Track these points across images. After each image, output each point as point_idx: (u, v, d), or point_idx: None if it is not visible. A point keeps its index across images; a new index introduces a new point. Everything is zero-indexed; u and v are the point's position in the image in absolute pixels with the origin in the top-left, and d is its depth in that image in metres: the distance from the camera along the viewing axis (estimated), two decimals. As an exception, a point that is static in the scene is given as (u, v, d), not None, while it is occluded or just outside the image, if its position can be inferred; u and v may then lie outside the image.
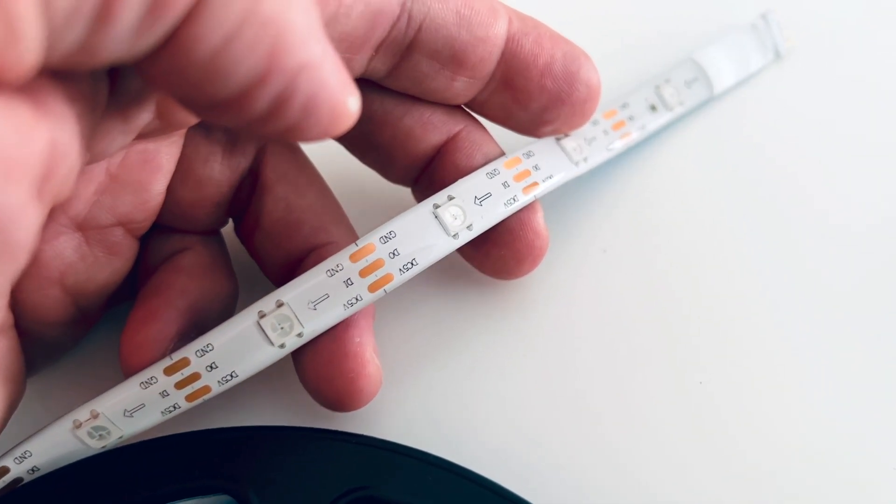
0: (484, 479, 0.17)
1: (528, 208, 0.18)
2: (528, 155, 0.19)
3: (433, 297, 0.21)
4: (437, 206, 0.17)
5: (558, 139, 0.19)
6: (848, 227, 0.21)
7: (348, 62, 0.16)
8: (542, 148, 0.19)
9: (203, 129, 0.17)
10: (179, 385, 0.16)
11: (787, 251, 0.21)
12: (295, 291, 0.16)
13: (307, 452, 0.18)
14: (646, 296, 0.21)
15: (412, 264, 0.17)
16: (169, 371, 0.16)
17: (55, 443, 0.16)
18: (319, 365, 0.17)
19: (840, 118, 0.23)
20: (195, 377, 0.16)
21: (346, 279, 0.17)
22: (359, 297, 0.17)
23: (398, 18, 0.16)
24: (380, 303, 0.18)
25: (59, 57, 0.10)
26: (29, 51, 0.10)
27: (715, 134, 0.23)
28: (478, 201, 0.18)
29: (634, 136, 0.21)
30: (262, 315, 0.16)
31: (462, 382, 0.20)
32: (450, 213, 0.17)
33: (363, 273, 0.17)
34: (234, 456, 0.17)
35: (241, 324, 0.16)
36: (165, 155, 0.17)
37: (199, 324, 0.17)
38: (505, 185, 0.18)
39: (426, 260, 0.17)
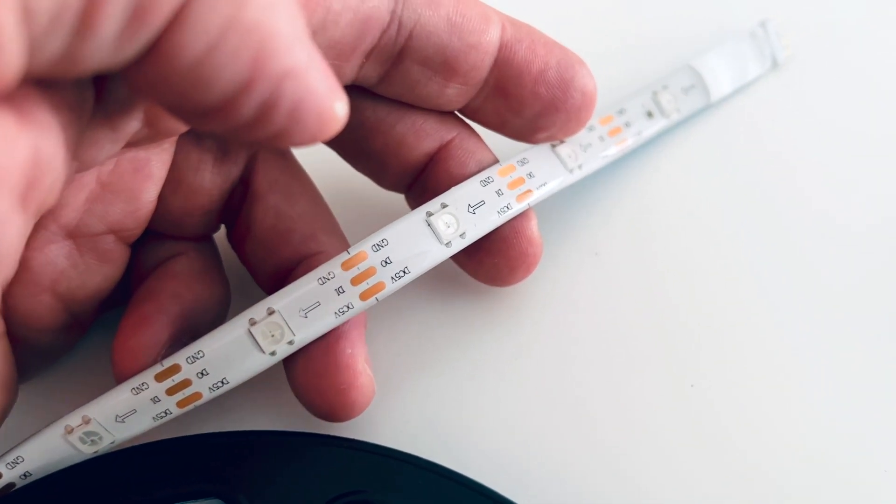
0: (478, 485, 0.17)
1: (521, 216, 0.18)
2: (523, 162, 0.19)
3: (427, 304, 0.21)
4: (430, 214, 0.17)
5: (553, 146, 0.19)
6: (841, 233, 0.21)
7: (338, 69, 0.16)
8: (537, 155, 0.19)
9: (194, 137, 0.17)
10: (170, 391, 0.16)
11: (782, 255, 0.21)
12: (286, 299, 0.16)
13: (298, 457, 0.18)
14: (640, 300, 0.21)
15: (404, 272, 0.17)
16: (160, 377, 0.16)
17: (47, 448, 0.16)
18: (311, 377, 0.17)
19: (837, 125, 0.23)
20: (186, 383, 0.16)
21: (337, 287, 0.17)
22: (350, 306, 0.17)
23: (388, 25, 0.16)
24: (374, 310, 0.18)
25: (41, 66, 0.10)
26: (9, 61, 0.10)
27: (709, 140, 0.23)
28: (471, 209, 0.18)
29: (630, 142, 0.21)
30: (252, 322, 0.16)
31: (456, 389, 0.20)
32: (443, 221, 0.17)
33: (355, 281, 0.17)
34: (225, 460, 0.17)
35: (232, 331, 0.16)
36: (156, 163, 0.17)
37: (191, 330, 0.17)
38: (499, 193, 0.18)
39: (418, 268, 0.17)
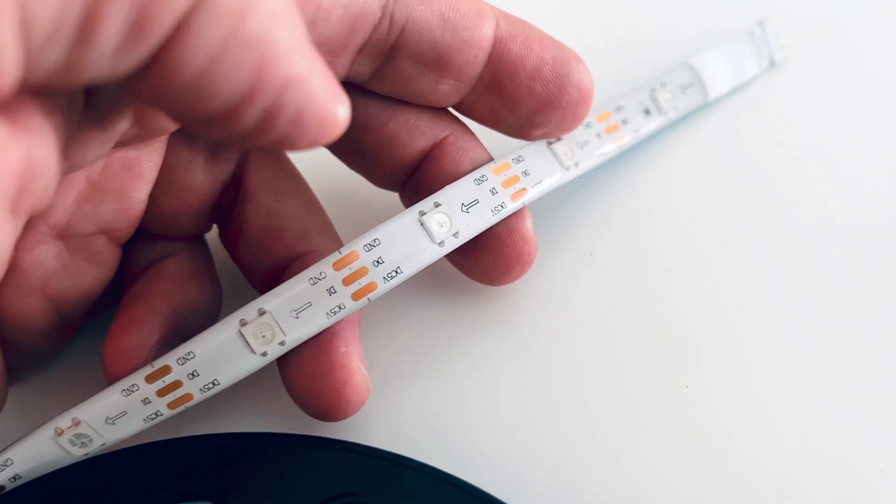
0: (474, 488, 0.17)
1: (516, 214, 0.18)
2: (518, 160, 0.18)
3: (424, 304, 0.21)
4: (422, 214, 0.17)
5: (549, 143, 0.19)
6: (839, 233, 0.21)
7: (330, 65, 0.16)
8: (533, 152, 0.19)
9: (185, 137, 0.17)
10: (161, 392, 0.16)
11: (779, 255, 0.21)
12: (277, 300, 0.16)
13: (292, 459, 0.18)
14: (636, 299, 0.21)
15: (397, 272, 0.17)
16: (150, 379, 0.16)
17: (37, 450, 0.16)
18: (305, 376, 0.17)
19: (834, 124, 0.23)
20: (177, 385, 0.16)
21: (329, 287, 0.16)
22: (342, 306, 0.16)
23: (379, 21, 0.16)
24: (370, 309, 0.18)
25: (39, 76, 0.10)
26: (6, 72, 0.09)
27: (705, 138, 0.23)
28: (465, 208, 0.17)
29: (627, 140, 0.21)
30: (243, 323, 0.16)
31: (453, 390, 0.20)
32: (436, 220, 0.17)
33: (347, 281, 0.16)
34: (217, 463, 0.17)
35: (223, 332, 0.16)
36: (147, 162, 0.16)
37: (183, 330, 0.17)
38: (493, 191, 0.18)
39: (411, 268, 0.17)
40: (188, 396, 0.16)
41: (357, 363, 0.17)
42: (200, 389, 0.16)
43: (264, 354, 0.16)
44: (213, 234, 0.20)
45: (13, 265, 0.16)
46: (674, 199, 0.22)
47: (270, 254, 0.18)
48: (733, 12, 0.25)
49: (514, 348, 0.20)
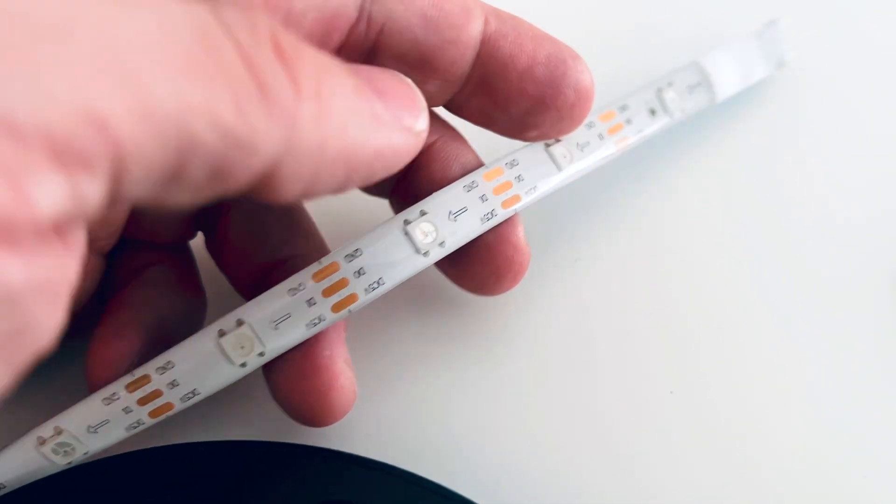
0: (462, 498, 0.17)
1: (507, 222, 0.17)
2: (512, 165, 0.18)
3: (412, 308, 0.21)
4: (407, 223, 0.17)
5: (548, 145, 0.18)
6: (833, 241, 0.21)
7: None
8: (528, 156, 0.18)
9: None
10: (142, 401, 0.16)
11: (770, 261, 0.21)
12: (255, 310, 0.16)
13: (279, 467, 0.17)
14: (628, 306, 0.21)
15: (379, 283, 0.16)
16: (131, 387, 0.16)
17: (20, 460, 0.16)
18: (289, 379, 0.17)
19: (839, 128, 0.23)
20: (157, 394, 0.16)
21: (308, 298, 0.16)
22: (322, 318, 0.16)
23: (357, 22, 0.15)
24: (357, 314, 0.18)
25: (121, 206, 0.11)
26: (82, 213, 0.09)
27: (698, 141, 0.23)
28: (452, 216, 0.17)
29: (631, 141, 0.20)
30: (221, 334, 0.16)
31: (442, 397, 0.20)
32: (421, 229, 0.17)
33: (326, 293, 0.16)
34: (202, 471, 0.17)
35: (201, 343, 0.16)
36: None
37: (167, 339, 0.17)
38: (483, 198, 0.17)
39: (394, 279, 0.16)
40: (169, 406, 0.16)
41: (342, 365, 0.17)
42: (181, 399, 0.16)
43: (243, 365, 0.16)
44: (198, 242, 0.19)
45: None
46: (666, 203, 0.22)
47: (254, 259, 0.18)
48: (744, 11, 0.24)
49: (502, 356, 0.20)
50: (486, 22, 0.16)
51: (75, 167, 0.09)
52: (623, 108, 0.20)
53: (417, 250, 0.16)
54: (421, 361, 0.20)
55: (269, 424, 0.19)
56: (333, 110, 0.12)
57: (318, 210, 0.19)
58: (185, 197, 0.11)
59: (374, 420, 0.19)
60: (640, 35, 0.25)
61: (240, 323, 0.16)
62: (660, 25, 0.25)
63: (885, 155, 0.22)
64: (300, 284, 0.16)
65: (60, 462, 0.16)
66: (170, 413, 0.16)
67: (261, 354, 0.16)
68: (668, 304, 0.21)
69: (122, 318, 0.17)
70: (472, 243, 0.17)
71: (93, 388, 0.17)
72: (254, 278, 0.18)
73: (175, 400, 0.16)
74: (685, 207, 0.22)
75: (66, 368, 0.18)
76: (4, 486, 0.16)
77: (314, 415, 0.17)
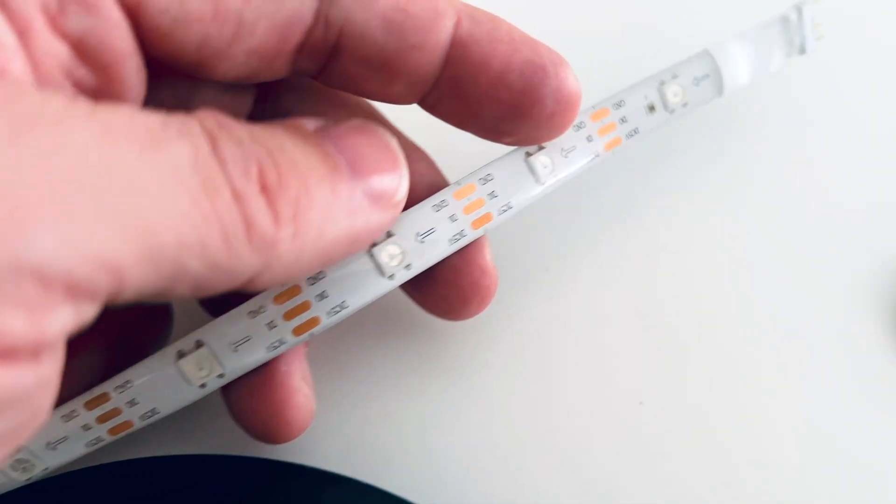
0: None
1: (473, 244, 0.17)
2: (485, 180, 0.17)
3: (376, 319, 0.20)
4: (373, 245, 0.16)
5: (529, 153, 0.17)
6: (783, 254, 0.21)
7: (269, 67, 0.15)
8: (504, 168, 0.17)
9: None
10: (101, 419, 0.16)
11: (736, 271, 0.21)
12: (215, 332, 0.16)
13: (237, 481, 0.17)
14: (595, 315, 0.21)
15: (342, 307, 0.16)
16: (90, 405, 0.16)
17: (-22, 474, 0.16)
18: (245, 395, 0.17)
19: (837, 125, 0.22)
20: (116, 412, 0.16)
21: (269, 322, 0.16)
22: (283, 341, 0.16)
23: (313, 25, 0.15)
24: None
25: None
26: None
27: (668, 145, 0.22)
28: (419, 238, 0.16)
29: (622, 142, 0.19)
30: (181, 355, 0.16)
31: (408, 411, 0.19)
32: (386, 251, 0.16)
33: (288, 316, 0.16)
34: (163, 485, 0.17)
35: (159, 364, 0.16)
36: None
37: (131, 354, 0.17)
38: (452, 218, 0.17)
39: (357, 302, 0.16)
40: (128, 423, 0.16)
41: (299, 382, 0.17)
42: (140, 417, 0.16)
43: (203, 386, 0.16)
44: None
45: None
46: (637, 210, 0.21)
47: None
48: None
49: (467, 368, 0.20)
50: (458, 24, 0.15)
51: (83, 299, 0.10)
52: (618, 105, 0.19)
53: (382, 273, 0.16)
54: (386, 374, 0.20)
55: (231, 437, 0.19)
56: (310, 224, 0.12)
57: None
58: (165, 300, 0.12)
59: (338, 434, 0.19)
60: (650, 23, 0.23)
61: (199, 344, 0.16)
62: (673, 12, 0.23)
63: (868, 156, 0.22)
64: (261, 307, 0.16)
65: (20, 478, 0.16)
66: (130, 430, 0.16)
67: (220, 376, 0.16)
68: (638, 313, 0.21)
69: (84, 331, 0.17)
70: (437, 266, 0.17)
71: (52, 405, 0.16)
72: (218, 295, 0.18)
73: (135, 418, 0.16)
74: (656, 214, 0.22)
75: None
76: (-38, 501, 0.16)
77: (270, 431, 0.17)
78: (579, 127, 0.18)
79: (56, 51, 0.13)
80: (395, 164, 0.14)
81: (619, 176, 0.22)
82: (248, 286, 0.13)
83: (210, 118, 0.12)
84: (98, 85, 0.13)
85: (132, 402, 0.16)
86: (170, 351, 0.16)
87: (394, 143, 0.15)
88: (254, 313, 0.16)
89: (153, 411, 0.16)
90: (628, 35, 0.23)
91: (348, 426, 0.19)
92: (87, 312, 0.11)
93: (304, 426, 0.17)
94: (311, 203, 0.13)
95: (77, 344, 0.17)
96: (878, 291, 0.21)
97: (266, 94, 0.18)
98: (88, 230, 0.10)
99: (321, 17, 0.15)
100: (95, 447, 0.16)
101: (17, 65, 0.12)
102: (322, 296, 0.16)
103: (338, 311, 0.16)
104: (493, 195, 0.17)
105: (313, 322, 0.16)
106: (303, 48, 0.15)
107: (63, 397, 0.16)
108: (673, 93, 0.19)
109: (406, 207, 0.17)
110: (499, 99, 0.16)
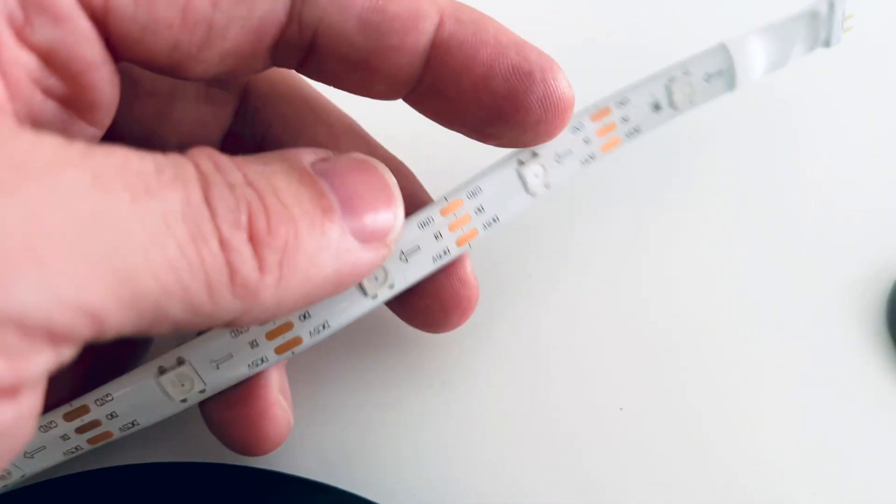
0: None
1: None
2: (473, 194, 0.17)
3: (358, 332, 0.20)
4: (356, 264, 0.16)
5: (521, 162, 0.17)
6: (767, 262, 0.21)
7: (246, 65, 0.15)
8: (494, 180, 0.17)
9: None
10: (80, 430, 0.16)
11: (717, 278, 0.21)
12: (197, 350, 0.16)
13: (218, 486, 0.18)
14: (576, 321, 0.21)
15: (324, 327, 0.16)
16: (69, 417, 0.16)
17: (-46, 482, 0.16)
18: (221, 407, 0.17)
19: (828, 129, 0.22)
20: (96, 423, 0.16)
21: (251, 340, 0.16)
22: (264, 359, 0.16)
23: (286, 25, 0.14)
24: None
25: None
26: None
27: (654, 147, 0.21)
28: (403, 257, 0.16)
29: (622, 143, 0.18)
30: (162, 371, 0.16)
31: (388, 420, 0.19)
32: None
33: (270, 335, 0.16)
34: (141, 493, 0.17)
35: (140, 380, 0.16)
36: None
37: (111, 365, 0.17)
38: (437, 236, 0.17)
39: (339, 322, 0.16)
40: (108, 434, 0.16)
41: (276, 395, 0.17)
42: (120, 429, 0.16)
43: (184, 401, 0.16)
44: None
45: None
46: (619, 213, 0.21)
47: None
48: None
49: (449, 376, 0.20)
50: (441, 25, 0.15)
51: (64, 344, 0.11)
52: (622, 104, 0.18)
53: (365, 293, 0.16)
54: (369, 384, 0.20)
55: (215, 445, 0.19)
56: (296, 269, 0.12)
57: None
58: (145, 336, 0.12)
59: (320, 444, 0.19)
60: (666, 10, 0.23)
61: (181, 361, 0.16)
62: (689, 4, 0.23)
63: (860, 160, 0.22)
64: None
65: (-3, 485, 0.16)
66: (109, 440, 0.16)
67: (201, 391, 0.16)
68: (623, 318, 0.21)
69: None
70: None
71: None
72: None
73: (114, 429, 0.16)
74: (640, 218, 0.22)
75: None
76: (-61, 509, 0.16)
77: (246, 444, 0.17)
78: (577, 129, 0.17)
79: (24, 61, 0.12)
80: (390, 202, 0.14)
81: (603, 178, 0.22)
82: (229, 326, 0.13)
83: (206, 158, 0.12)
84: (69, 93, 0.13)
85: (112, 415, 0.16)
86: (151, 367, 0.16)
87: (391, 179, 0.14)
88: (236, 332, 0.16)
89: (133, 423, 0.16)
90: (643, 29, 0.23)
91: (331, 436, 0.19)
92: (66, 354, 0.11)
93: (281, 439, 0.17)
94: (298, 248, 0.12)
95: None
96: (870, 294, 0.21)
97: (246, 107, 0.17)
98: (71, 279, 0.10)
99: (294, 18, 0.14)
100: (74, 455, 0.16)
101: None
102: (305, 316, 0.16)
103: (320, 332, 0.16)
104: (480, 210, 0.17)
105: (296, 342, 0.16)
106: (278, 46, 0.15)
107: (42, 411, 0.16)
108: (681, 90, 0.18)
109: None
110: (482, 103, 0.15)
